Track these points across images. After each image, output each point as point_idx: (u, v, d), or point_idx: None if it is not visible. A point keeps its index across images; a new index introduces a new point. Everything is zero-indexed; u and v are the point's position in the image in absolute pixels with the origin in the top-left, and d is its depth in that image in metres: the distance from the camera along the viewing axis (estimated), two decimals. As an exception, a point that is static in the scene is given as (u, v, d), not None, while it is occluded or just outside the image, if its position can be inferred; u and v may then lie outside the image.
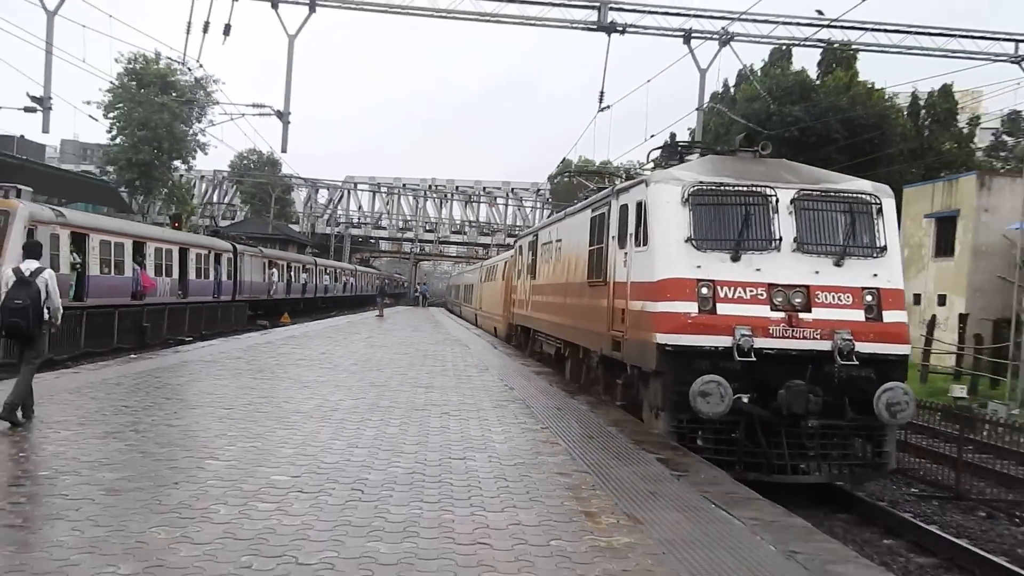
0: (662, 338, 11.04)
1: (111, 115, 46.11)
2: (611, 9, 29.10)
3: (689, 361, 10.75)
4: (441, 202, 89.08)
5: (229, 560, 5.47)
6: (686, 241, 11.32)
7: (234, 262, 42.50)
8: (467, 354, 23.63)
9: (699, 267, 11.16)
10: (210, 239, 42.46)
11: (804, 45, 34.26)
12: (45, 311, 9.99)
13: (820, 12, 31.14)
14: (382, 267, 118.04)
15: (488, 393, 14.74)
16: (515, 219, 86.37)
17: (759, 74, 44.22)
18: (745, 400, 10.55)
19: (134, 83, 45.75)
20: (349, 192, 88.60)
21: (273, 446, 9.21)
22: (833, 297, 11.18)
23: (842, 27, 30.94)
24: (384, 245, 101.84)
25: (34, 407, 10.13)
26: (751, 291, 11.06)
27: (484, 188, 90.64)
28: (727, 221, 11.56)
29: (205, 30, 27.62)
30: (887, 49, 32.01)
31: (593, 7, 29.20)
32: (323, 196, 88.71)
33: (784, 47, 41.21)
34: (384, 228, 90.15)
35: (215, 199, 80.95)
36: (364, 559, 5.61)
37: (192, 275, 36.23)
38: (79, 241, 25.58)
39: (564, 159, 75.59)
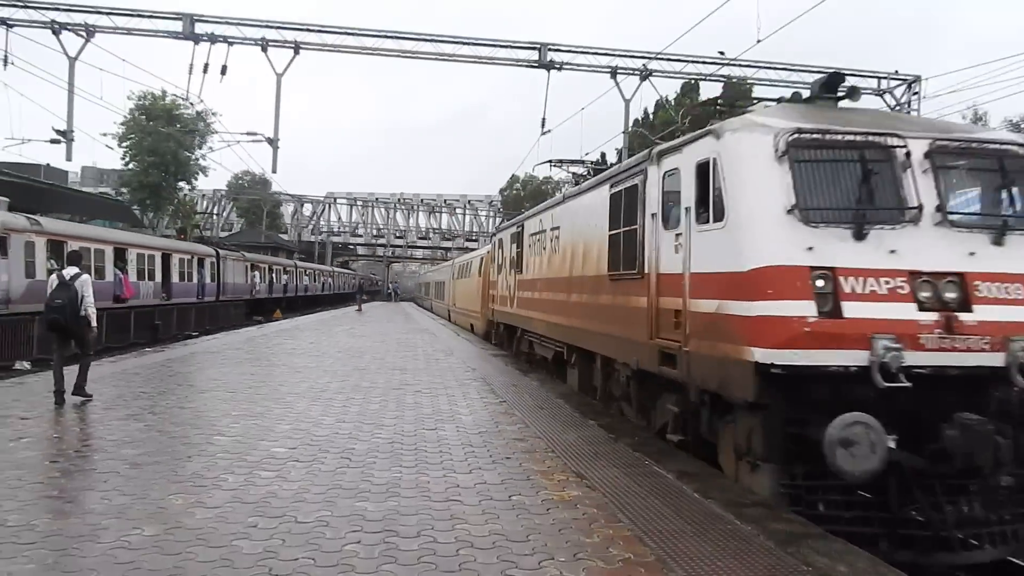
0: (764, 355, 6.41)
1: (124, 144, 45.09)
2: (549, 50, 29.29)
3: (806, 388, 6.46)
4: (409, 213, 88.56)
5: (238, 521, 5.38)
6: (788, 212, 6.67)
7: (217, 265, 39.34)
8: (435, 341, 23.52)
9: (811, 249, 6.57)
10: (192, 244, 38.68)
11: (709, 79, 34.75)
12: (83, 310, 10.18)
13: (722, 52, 31.57)
14: (359, 269, 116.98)
15: (454, 373, 14.67)
16: (472, 226, 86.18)
17: (673, 103, 44.70)
18: (892, 444, 6.08)
19: (144, 117, 44.79)
20: (330, 205, 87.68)
21: (272, 423, 9.08)
22: (999, 289, 6.76)
23: (740, 65, 31.44)
24: (361, 250, 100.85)
25: (65, 394, 10.04)
26: (887, 283, 6.56)
27: (445, 200, 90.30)
28: (841, 183, 6.98)
29: (205, 71, 27.32)
30: (776, 84, 32.54)
31: (534, 48, 29.33)
32: (308, 209, 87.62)
33: (693, 81, 41.69)
34: (360, 236, 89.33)
35: (215, 214, 79.47)
36: (354, 516, 5.56)
37: (175, 278, 33.36)
38: (57, 248, 22.75)
39: (513, 175, 75.84)
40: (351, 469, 6.96)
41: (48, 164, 46.27)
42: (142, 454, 7.29)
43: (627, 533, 5.34)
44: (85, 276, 10.48)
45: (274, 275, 53.03)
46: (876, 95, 32.05)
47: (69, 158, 28.76)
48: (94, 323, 10.46)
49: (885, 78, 32.09)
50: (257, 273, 48.21)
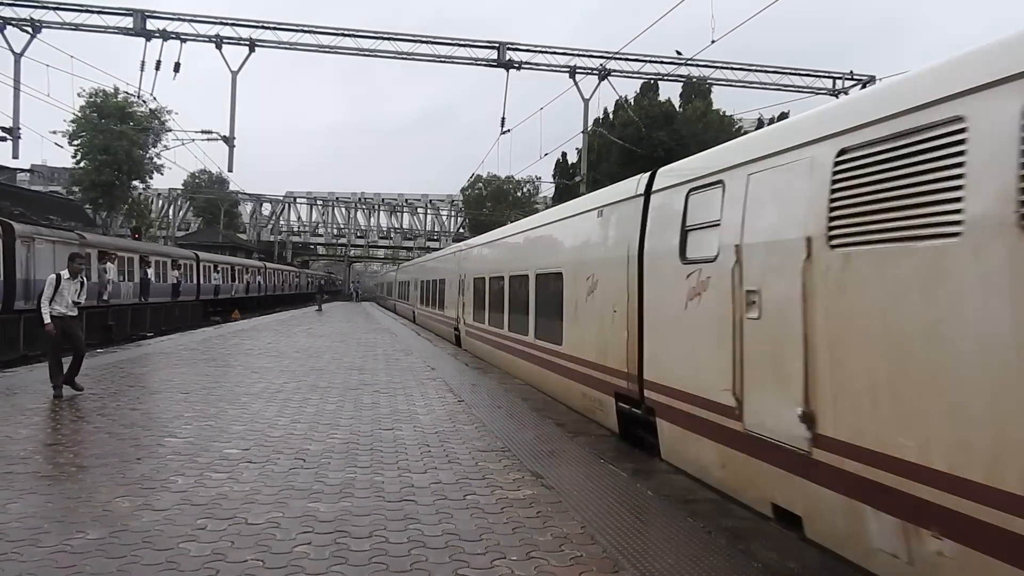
0: None
1: (75, 142, 44.12)
2: (508, 49, 29.31)
3: None
4: (370, 212, 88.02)
5: (186, 523, 5.29)
6: None
7: (6, 252, 21.94)
8: (395, 340, 23.39)
9: None
10: None
11: (668, 79, 35.11)
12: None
13: (679, 52, 31.92)
14: (320, 268, 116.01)
15: (413, 373, 14.61)
16: (433, 226, 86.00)
17: (632, 103, 44.96)
18: None
19: (95, 114, 43.85)
20: (289, 205, 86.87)
21: (225, 424, 8.95)
22: None
23: (698, 65, 31.82)
24: (321, 250, 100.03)
25: (66, 385, 11.01)
26: None
27: (406, 200, 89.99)
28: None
29: (157, 68, 27.00)
30: (734, 83, 33.03)
31: (493, 47, 29.33)
32: (267, 209, 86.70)
33: (652, 81, 42.03)
34: (321, 235, 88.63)
35: (171, 214, 78.11)
36: (305, 518, 5.50)
37: None
38: None
39: (474, 174, 75.65)
40: (305, 470, 6.88)
41: (-7, 162, 45.17)
42: (90, 456, 7.15)
43: (580, 531, 5.36)
44: (51, 276, 11.05)
45: (148, 271, 34.84)
46: (830, 94, 32.67)
47: (16, 156, 28.23)
48: (46, 320, 10.89)
49: (840, 78, 32.69)
50: (110, 266, 29.94)
